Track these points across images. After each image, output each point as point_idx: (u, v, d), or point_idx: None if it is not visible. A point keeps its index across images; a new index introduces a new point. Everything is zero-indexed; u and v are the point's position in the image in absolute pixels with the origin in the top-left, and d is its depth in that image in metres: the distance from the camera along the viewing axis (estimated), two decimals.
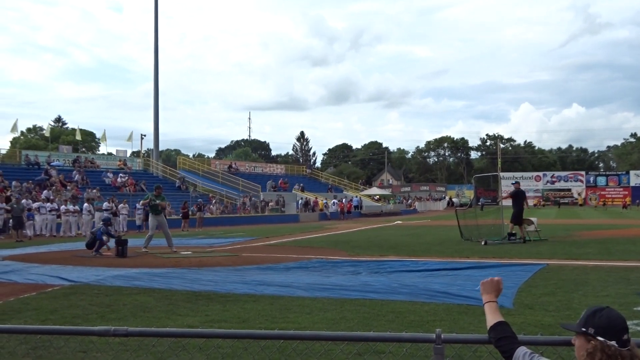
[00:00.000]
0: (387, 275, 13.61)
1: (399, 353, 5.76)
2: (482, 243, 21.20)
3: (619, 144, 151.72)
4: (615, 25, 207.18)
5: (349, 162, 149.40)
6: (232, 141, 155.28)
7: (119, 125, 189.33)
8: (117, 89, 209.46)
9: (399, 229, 34.61)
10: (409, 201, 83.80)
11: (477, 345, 4.05)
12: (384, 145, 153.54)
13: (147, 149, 66.02)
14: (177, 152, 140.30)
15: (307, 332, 4.36)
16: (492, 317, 3.29)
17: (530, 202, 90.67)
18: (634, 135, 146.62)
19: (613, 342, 2.57)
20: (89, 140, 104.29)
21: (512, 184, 24.78)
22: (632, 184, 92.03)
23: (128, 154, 59.84)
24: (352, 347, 5.94)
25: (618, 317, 2.62)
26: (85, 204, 32.97)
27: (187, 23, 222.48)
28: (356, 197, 67.87)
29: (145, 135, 64.00)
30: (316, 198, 61.13)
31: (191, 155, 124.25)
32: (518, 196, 23.19)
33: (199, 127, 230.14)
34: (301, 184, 66.63)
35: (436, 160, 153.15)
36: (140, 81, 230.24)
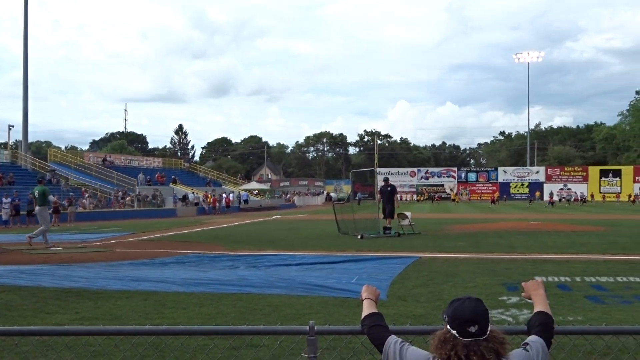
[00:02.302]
0: (265, 269, 13.62)
1: (273, 346, 5.76)
2: (359, 237, 21.58)
3: (488, 141, 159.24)
4: (487, 28, 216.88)
5: (229, 156, 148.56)
6: (107, 133, 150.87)
7: None
8: None
9: (277, 224, 34.69)
10: (288, 196, 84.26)
11: (350, 336, 4.11)
12: (263, 140, 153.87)
13: (15, 140, 63.01)
14: (48, 144, 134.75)
15: (179, 327, 4.26)
16: (368, 310, 3.36)
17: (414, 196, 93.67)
18: (502, 133, 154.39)
19: (454, 331, 2.68)
20: None
21: (384, 180, 25.08)
22: (500, 180, 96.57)
23: None
24: (226, 341, 5.89)
25: (468, 308, 2.70)
26: None
27: (61, 10, 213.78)
28: (245, 192, 68.09)
29: (13, 126, 61.12)
30: (206, 193, 60.35)
31: (63, 148, 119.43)
32: (382, 192, 23.86)
33: (73, 119, 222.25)
34: (174, 177, 65.36)
35: (315, 155, 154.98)
36: (9, 69, 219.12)
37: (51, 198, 20.83)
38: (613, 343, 5.23)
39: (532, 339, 2.95)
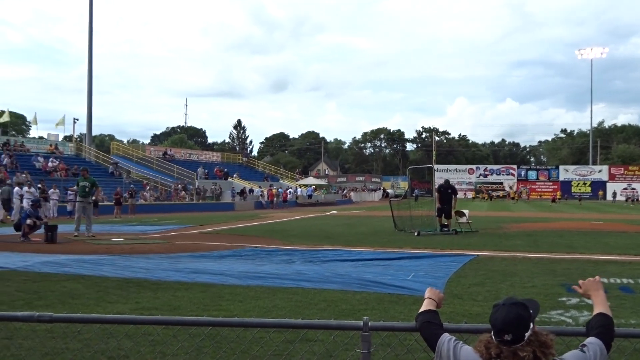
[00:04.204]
0: (321, 264, 13.67)
1: (327, 340, 5.80)
2: (415, 234, 21.47)
3: (549, 139, 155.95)
4: (548, 24, 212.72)
5: (286, 152, 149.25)
6: (167, 127, 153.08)
7: (52, 109, 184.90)
8: (51, 71, 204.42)
9: (333, 219, 34.75)
10: (345, 191, 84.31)
11: (405, 333, 4.11)
12: (321, 135, 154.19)
13: (80, 133, 64.54)
14: (111, 137, 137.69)
15: (235, 319, 4.34)
16: (424, 307, 3.37)
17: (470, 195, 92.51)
18: (564, 131, 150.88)
19: (494, 337, 2.77)
20: (19, 123, 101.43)
21: (445, 181, 24.94)
22: (561, 178, 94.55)
23: (60, 139, 58.21)
24: (281, 334, 5.95)
25: (499, 318, 2.77)
26: (16, 188, 32.04)
27: (125, 6, 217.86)
28: (310, 187, 69.20)
29: (78, 120, 62.50)
30: (270, 187, 61.13)
31: (125, 141, 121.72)
32: (441, 191, 23.66)
33: (134, 113, 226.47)
34: (226, 171, 66.03)
35: (372, 151, 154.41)
36: (75, 64, 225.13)
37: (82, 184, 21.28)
38: None
39: (591, 340, 2.92)
